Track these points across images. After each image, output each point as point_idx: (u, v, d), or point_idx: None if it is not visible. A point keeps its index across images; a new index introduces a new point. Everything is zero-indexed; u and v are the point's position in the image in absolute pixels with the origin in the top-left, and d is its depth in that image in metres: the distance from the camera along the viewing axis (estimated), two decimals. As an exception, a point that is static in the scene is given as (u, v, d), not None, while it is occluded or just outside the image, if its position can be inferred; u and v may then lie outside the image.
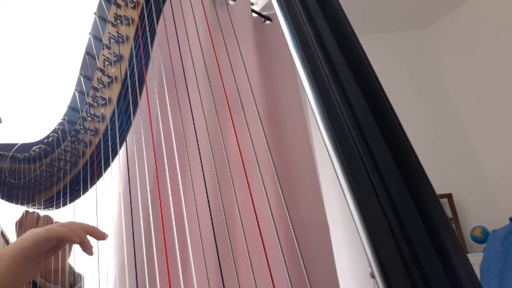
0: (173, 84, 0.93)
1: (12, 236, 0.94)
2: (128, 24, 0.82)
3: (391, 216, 0.25)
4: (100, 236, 0.60)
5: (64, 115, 0.89)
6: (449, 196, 2.27)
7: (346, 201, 0.27)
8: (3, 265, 0.51)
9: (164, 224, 0.64)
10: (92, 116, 0.85)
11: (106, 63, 0.84)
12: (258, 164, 0.52)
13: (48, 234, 0.54)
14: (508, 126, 2.24)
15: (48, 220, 0.93)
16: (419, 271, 0.23)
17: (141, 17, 0.80)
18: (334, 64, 0.30)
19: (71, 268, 0.89)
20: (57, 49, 1.45)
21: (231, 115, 0.60)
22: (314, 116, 0.30)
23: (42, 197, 0.90)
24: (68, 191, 0.87)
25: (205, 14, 1.09)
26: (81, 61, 0.86)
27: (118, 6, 0.82)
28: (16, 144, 0.92)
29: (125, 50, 0.82)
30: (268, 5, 1.80)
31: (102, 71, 0.84)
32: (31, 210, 0.94)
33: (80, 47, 0.86)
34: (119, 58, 0.83)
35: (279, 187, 0.47)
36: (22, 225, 0.93)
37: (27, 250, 0.53)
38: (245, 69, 0.75)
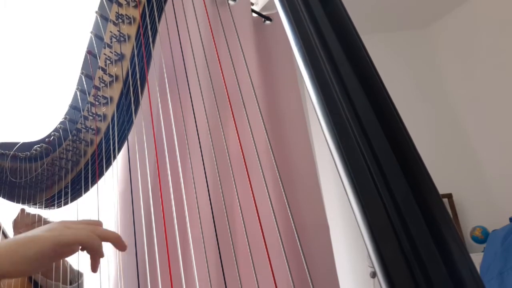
0: (175, 83, 0.93)
1: (12, 236, 0.94)
2: (130, 23, 0.82)
3: (393, 215, 0.25)
4: (121, 247, 0.54)
5: (66, 114, 0.89)
6: (449, 196, 2.27)
7: (348, 200, 0.27)
8: (33, 251, 0.44)
9: (165, 221, 0.64)
10: (94, 115, 0.85)
11: (108, 62, 0.84)
12: (259, 163, 0.52)
13: (88, 241, 0.49)
14: (508, 126, 2.24)
15: (42, 219, 0.92)
16: (421, 269, 0.23)
17: (143, 16, 0.80)
18: (336, 62, 0.30)
19: (69, 265, 0.90)
20: (58, 48, 1.45)
21: (232, 114, 0.60)
22: (316, 114, 0.30)
23: (44, 196, 0.90)
24: (69, 190, 0.87)
25: (207, 13, 1.09)
26: (82, 60, 0.86)
27: (120, 5, 0.83)
28: (18, 143, 0.92)
29: (127, 49, 0.82)
30: (268, 5, 1.80)
31: (103, 70, 0.84)
32: (27, 210, 0.93)
33: (82, 46, 0.86)
34: (121, 57, 0.83)
35: (281, 186, 0.47)
36: (16, 225, 0.93)
37: (61, 245, 0.47)
38: (247, 68, 0.75)
